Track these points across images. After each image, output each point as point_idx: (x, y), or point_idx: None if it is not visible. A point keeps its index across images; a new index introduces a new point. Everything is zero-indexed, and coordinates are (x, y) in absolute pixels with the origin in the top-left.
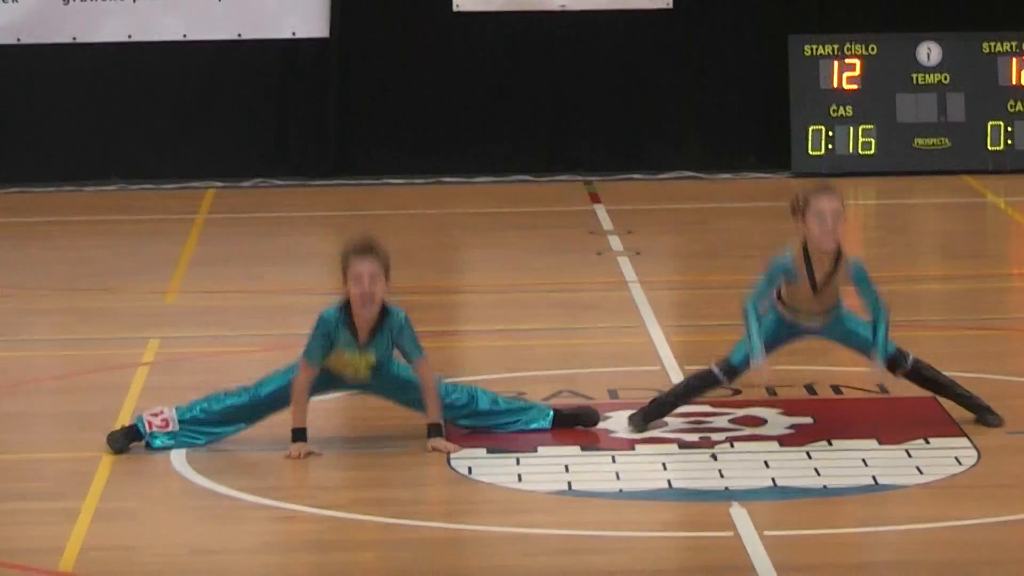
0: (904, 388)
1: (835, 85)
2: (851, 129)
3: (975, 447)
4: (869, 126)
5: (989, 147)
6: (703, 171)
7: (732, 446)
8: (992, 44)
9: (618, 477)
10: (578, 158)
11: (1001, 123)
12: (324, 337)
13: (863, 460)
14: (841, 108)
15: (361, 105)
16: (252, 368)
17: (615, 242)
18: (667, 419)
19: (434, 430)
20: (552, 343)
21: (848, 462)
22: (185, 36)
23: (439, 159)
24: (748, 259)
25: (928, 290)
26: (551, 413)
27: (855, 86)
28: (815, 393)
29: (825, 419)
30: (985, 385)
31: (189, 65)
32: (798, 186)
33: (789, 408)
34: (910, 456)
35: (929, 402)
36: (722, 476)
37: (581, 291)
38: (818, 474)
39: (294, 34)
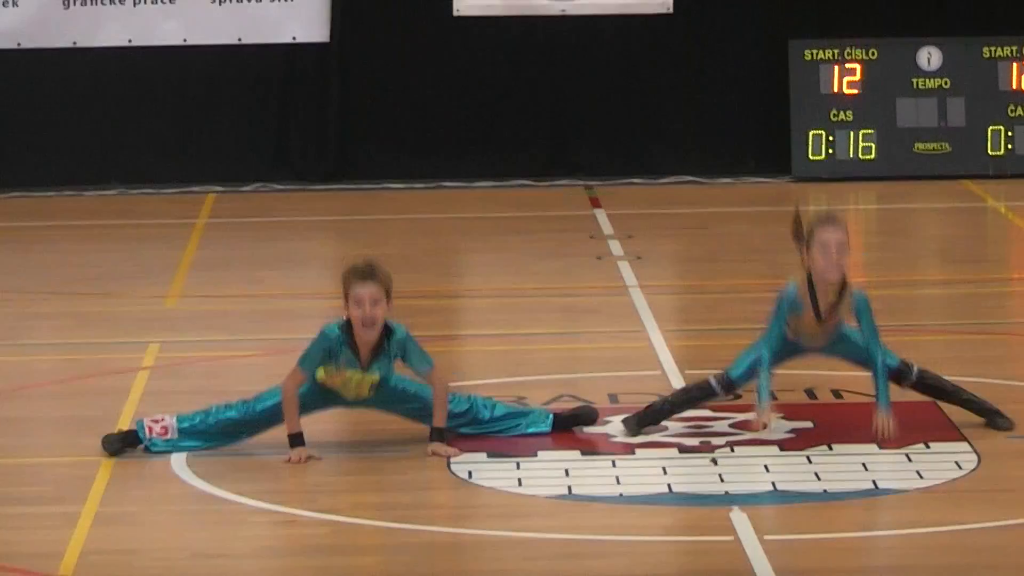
0: (904, 393)
1: (835, 90)
2: (851, 134)
3: (975, 451)
4: (869, 131)
5: (989, 152)
6: (703, 175)
7: (732, 450)
8: (992, 49)
9: (618, 481)
10: (578, 162)
11: (1001, 128)
12: (324, 352)
13: (863, 464)
14: (841, 113)
15: (361, 110)
16: (252, 373)
17: (615, 246)
18: (664, 423)
19: (436, 434)
20: (552, 347)
21: (848, 466)
22: (185, 41)
23: (439, 163)
24: (748, 263)
25: (928, 295)
26: (551, 417)
27: (855, 91)
28: (815, 397)
29: (825, 423)
30: (985, 389)
31: (189, 70)
32: (798, 190)
33: (789, 412)
34: (910, 460)
35: (929, 406)
36: (722, 480)
37: (581, 295)
38: (818, 478)
39: (294, 39)
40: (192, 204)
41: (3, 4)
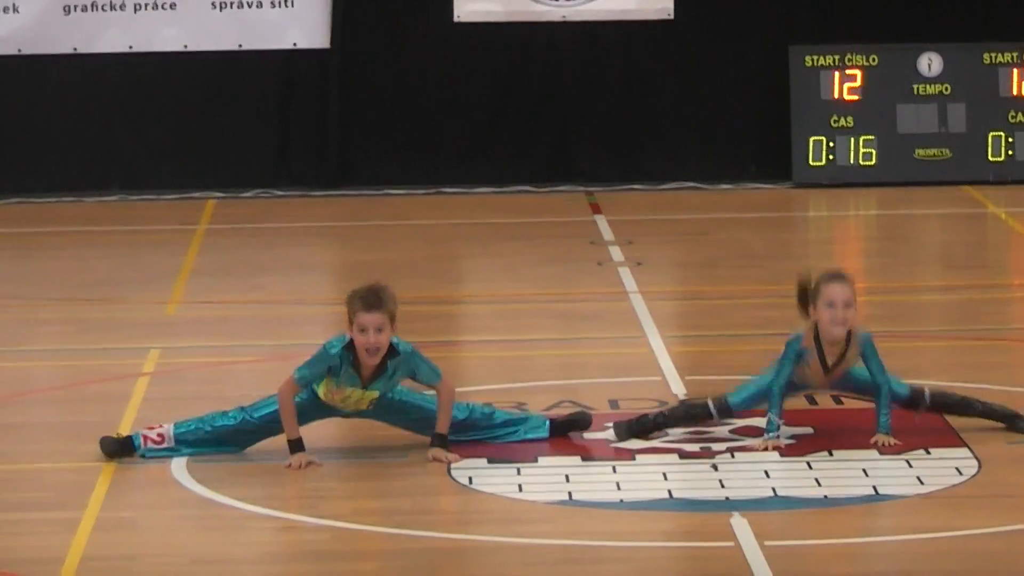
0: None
1: (836, 96)
2: (852, 140)
3: (975, 457)
4: (870, 137)
5: (990, 158)
6: (704, 182)
7: (733, 456)
8: (993, 55)
9: (619, 487)
10: (579, 168)
11: (1002, 134)
12: (324, 369)
13: (864, 470)
14: (842, 119)
15: (362, 116)
16: (253, 379)
17: (616, 252)
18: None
19: (438, 440)
20: (553, 353)
21: (849, 472)
22: (186, 47)
23: (440, 169)
24: (748, 269)
25: (929, 301)
26: (547, 423)
27: (856, 97)
28: (815, 403)
29: (825, 429)
30: (986, 396)
31: (190, 76)
32: (799, 196)
33: (790, 418)
34: (910, 466)
35: (929, 412)
36: (723, 486)
37: (582, 301)
38: (819, 484)
39: (295, 45)
40: (193, 210)
41: (4, 10)
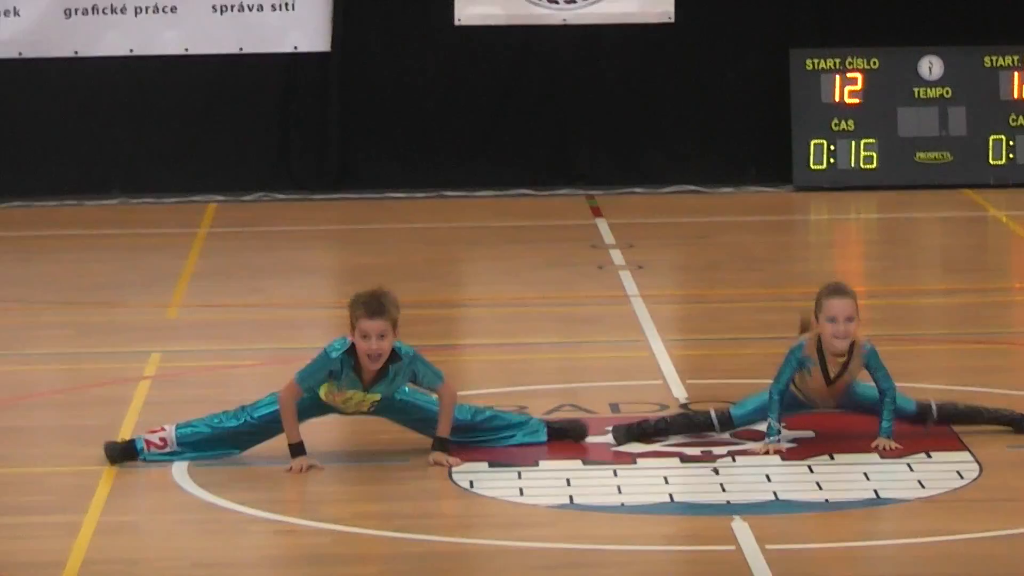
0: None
1: (837, 99)
2: (853, 143)
3: (977, 461)
4: (871, 140)
5: (991, 161)
6: (705, 185)
7: (734, 460)
8: (994, 58)
9: (620, 491)
10: (580, 172)
11: (1003, 137)
12: (326, 374)
13: (865, 474)
14: (843, 122)
15: (363, 119)
16: (254, 382)
17: (616, 256)
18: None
19: (439, 443)
20: (553, 357)
21: (850, 476)
22: (187, 50)
23: (441, 173)
24: (749, 272)
25: (930, 304)
26: (544, 427)
27: (857, 100)
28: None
29: (826, 433)
30: (986, 399)
31: (191, 79)
32: (799, 200)
33: (790, 422)
34: (912, 470)
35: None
36: (724, 490)
37: (582, 305)
38: (820, 488)
39: (296, 48)
40: (194, 213)
41: (4, 14)
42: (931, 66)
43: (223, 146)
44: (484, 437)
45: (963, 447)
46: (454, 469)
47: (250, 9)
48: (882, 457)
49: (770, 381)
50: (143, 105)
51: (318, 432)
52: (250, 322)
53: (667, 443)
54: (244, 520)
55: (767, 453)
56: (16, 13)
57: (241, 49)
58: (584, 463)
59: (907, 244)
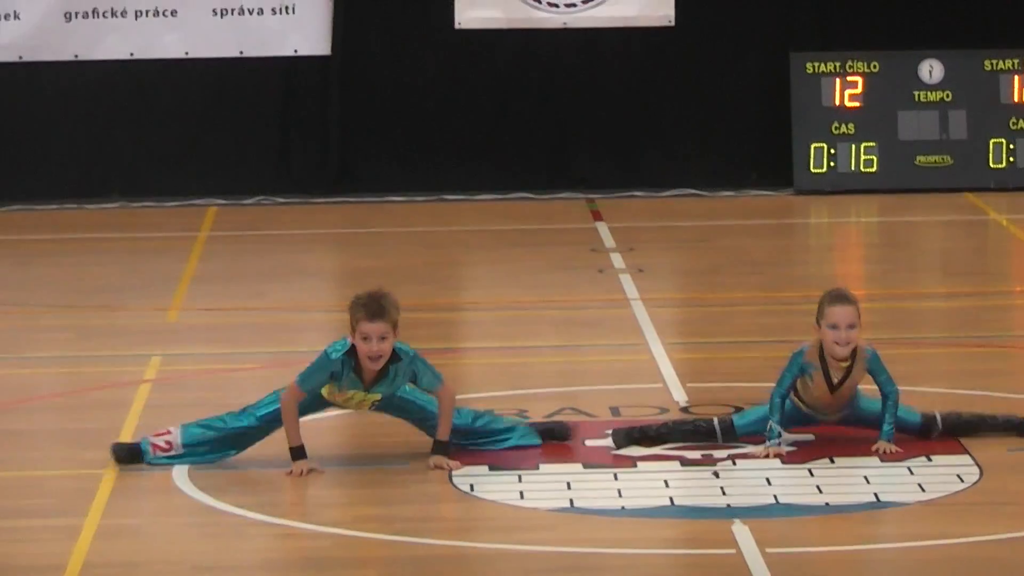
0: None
1: (837, 103)
2: (853, 147)
3: (977, 464)
4: (871, 144)
5: (991, 165)
6: (705, 188)
7: (734, 463)
8: (994, 62)
9: (620, 494)
10: (580, 175)
11: (1003, 141)
12: (327, 375)
13: (865, 477)
14: (843, 125)
15: (363, 122)
16: (254, 385)
17: (617, 259)
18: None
19: (439, 447)
20: (554, 360)
21: (850, 479)
22: (187, 54)
23: (441, 176)
24: (749, 276)
25: (930, 307)
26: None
27: (857, 103)
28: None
29: (827, 436)
30: (986, 402)
31: (191, 83)
32: (800, 203)
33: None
34: (912, 473)
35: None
36: (724, 493)
37: (583, 308)
38: (820, 491)
39: (296, 52)
40: (194, 217)
41: (5, 17)
42: (931, 69)
43: (223, 149)
44: (481, 440)
45: (963, 450)
46: (454, 472)
47: (250, 12)
48: (882, 460)
49: (771, 385)
50: (143, 108)
51: (318, 436)
52: (250, 325)
53: (667, 447)
54: (244, 523)
55: (767, 456)
56: (16, 16)
57: (241, 52)
58: (584, 466)
59: (907, 248)
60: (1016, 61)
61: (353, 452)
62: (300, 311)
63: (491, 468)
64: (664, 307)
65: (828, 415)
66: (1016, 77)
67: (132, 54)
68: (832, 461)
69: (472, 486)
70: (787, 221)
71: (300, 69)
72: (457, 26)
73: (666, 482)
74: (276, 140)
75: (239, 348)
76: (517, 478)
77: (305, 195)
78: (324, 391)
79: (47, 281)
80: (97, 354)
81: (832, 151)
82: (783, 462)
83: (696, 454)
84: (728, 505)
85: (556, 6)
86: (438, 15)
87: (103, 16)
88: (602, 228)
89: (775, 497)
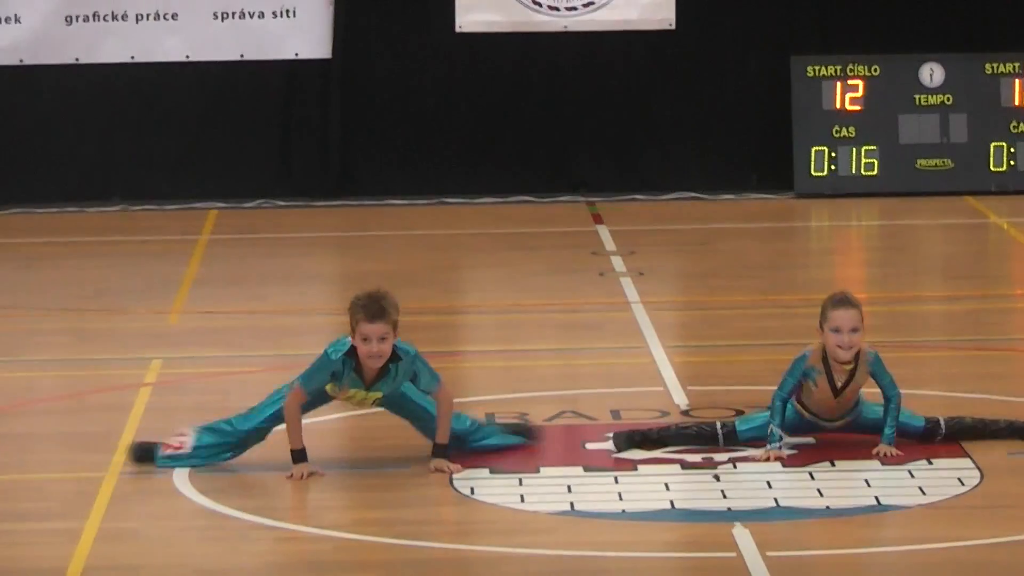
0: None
1: (838, 106)
2: (854, 150)
3: (978, 468)
4: (872, 147)
5: (992, 168)
6: (706, 192)
7: (735, 467)
8: (995, 65)
9: (621, 498)
10: (581, 179)
11: (1004, 144)
12: (327, 374)
13: (866, 480)
14: (844, 129)
15: (363, 126)
16: (255, 389)
17: (617, 263)
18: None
19: (439, 450)
20: (554, 363)
21: (851, 482)
22: (188, 57)
23: (441, 179)
24: (750, 279)
25: (930, 311)
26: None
27: (858, 107)
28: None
29: (827, 439)
30: (987, 406)
31: (192, 86)
32: (800, 207)
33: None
34: (913, 476)
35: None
36: (725, 497)
37: (583, 311)
38: (821, 494)
39: (297, 55)
40: (194, 220)
41: (5, 20)
42: (932, 73)
43: (224, 153)
44: (470, 440)
45: (964, 454)
46: (455, 476)
47: (251, 16)
48: (883, 464)
49: (771, 388)
50: (144, 112)
51: (319, 439)
52: (251, 329)
53: (668, 450)
54: (245, 527)
55: (768, 460)
56: (17, 20)
57: (242, 56)
58: (585, 470)
59: (908, 251)
60: (1017, 65)
61: (354, 455)
62: (301, 314)
63: (492, 471)
64: (665, 310)
65: (831, 420)
66: (1017, 81)
67: (133, 57)
68: (833, 464)
69: (473, 489)
70: (788, 224)
71: (301, 72)
72: (458, 29)
73: (667, 485)
74: (277, 143)
75: (240, 351)
76: (518, 481)
77: (306, 198)
78: (327, 387)
79: (48, 284)
80: (98, 357)
81: (833, 154)
82: (784, 465)
83: (697, 457)
84: (729, 508)
85: (557, 9)
86: (439, 18)
87: (104, 19)
88: (603, 231)
89: (776, 500)
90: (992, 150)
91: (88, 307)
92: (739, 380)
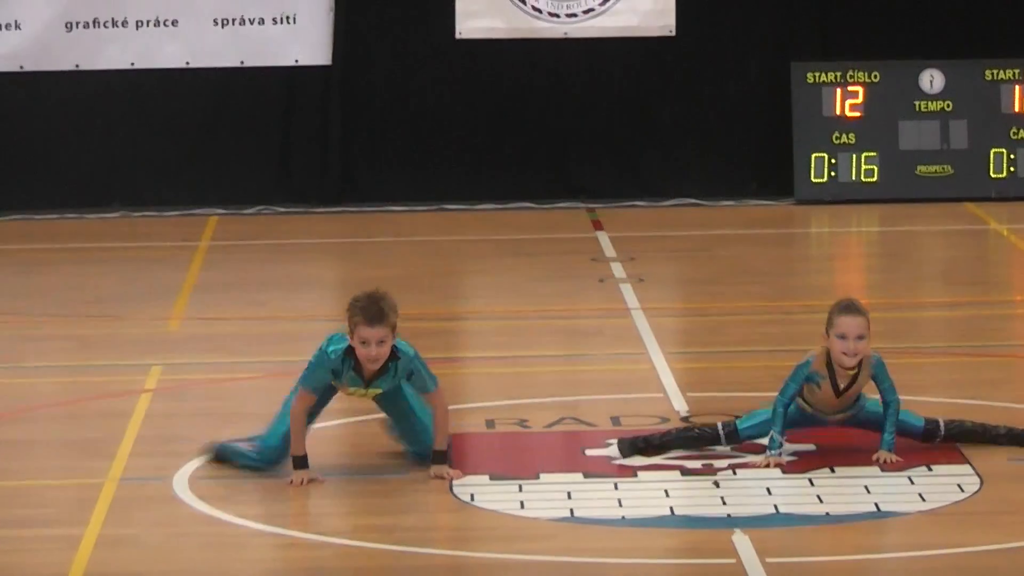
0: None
1: (838, 112)
2: (854, 156)
3: (977, 474)
4: (872, 153)
5: (992, 174)
6: (705, 198)
7: (735, 473)
8: (995, 71)
9: (620, 504)
10: (581, 185)
11: (1004, 151)
12: (327, 372)
13: (865, 487)
14: (844, 135)
15: (364, 132)
16: (255, 395)
17: (617, 269)
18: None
19: (439, 457)
20: (554, 370)
21: (850, 489)
22: (188, 64)
23: (442, 186)
24: (750, 286)
25: (931, 317)
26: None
27: (858, 113)
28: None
29: (827, 446)
30: (987, 412)
31: (192, 93)
32: (800, 213)
33: (791, 435)
34: (912, 483)
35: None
36: (724, 503)
37: (583, 318)
38: (820, 501)
39: (297, 62)
40: (195, 226)
41: (6, 27)
42: (932, 79)
43: (224, 159)
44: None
45: (964, 460)
46: (455, 482)
47: (251, 22)
48: (883, 470)
49: (772, 394)
50: (144, 118)
51: (319, 445)
52: (251, 335)
53: (668, 456)
54: (245, 533)
55: (768, 466)
56: (17, 26)
57: (242, 62)
58: (585, 476)
59: (908, 257)
60: (1017, 71)
61: (354, 462)
62: (301, 320)
63: (491, 478)
64: (665, 316)
65: (832, 415)
66: (1017, 87)
67: (133, 64)
68: (832, 471)
69: (472, 496)
70: (788, 231)
71: (301, 79)
72: (458, 36)
73: (666, 492)
74: (277, 149)
75: (240, 357)
76: (517, 488)
77: (306, 204)
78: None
79: (47, 290)
80: (98, 363)
81: (833, 161)
82: (783, 472)
83: (696, 464)
84: (728, 515)
85: (557, 16)
86: (439, 25)
87: (104, 26)
88: (603, 237)
89: (775, 507)
90: (992, 156)
91: (88, 313)
92: (739, 386)
